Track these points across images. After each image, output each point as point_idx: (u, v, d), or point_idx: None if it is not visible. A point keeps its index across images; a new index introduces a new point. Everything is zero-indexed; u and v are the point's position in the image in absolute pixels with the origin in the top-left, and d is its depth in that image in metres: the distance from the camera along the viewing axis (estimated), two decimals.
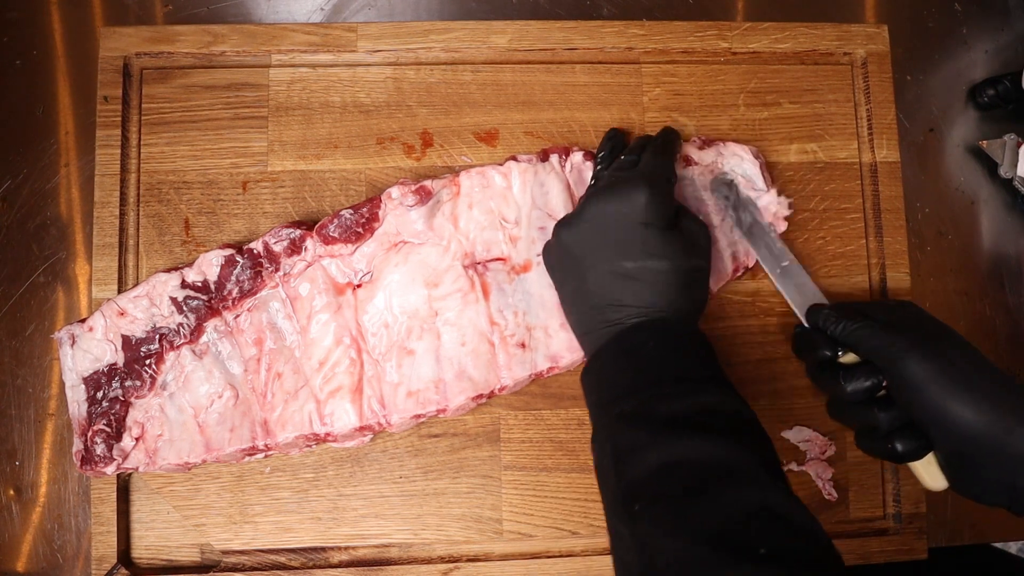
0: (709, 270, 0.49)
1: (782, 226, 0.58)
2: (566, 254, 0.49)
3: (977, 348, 0.46)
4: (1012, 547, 1.34)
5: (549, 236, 0.55)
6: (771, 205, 0.57)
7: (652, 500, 0.39)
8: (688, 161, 0.57)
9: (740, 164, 0.58)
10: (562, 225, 0.50)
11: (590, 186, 0.54)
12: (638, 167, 0.49)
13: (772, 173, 0.61)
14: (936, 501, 0.62)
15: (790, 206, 0.58)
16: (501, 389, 0.54)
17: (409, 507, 0.56)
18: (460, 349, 0.54)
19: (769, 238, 0.56)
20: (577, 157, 0.56)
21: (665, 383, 0.43)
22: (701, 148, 0.58)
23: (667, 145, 0.52)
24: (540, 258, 0.55)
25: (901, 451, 0.46)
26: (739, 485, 0.38)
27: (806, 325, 0.53)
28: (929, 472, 0.47)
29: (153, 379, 0.53)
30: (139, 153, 0.58)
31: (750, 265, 0.58)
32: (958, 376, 0.44)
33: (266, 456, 0.55)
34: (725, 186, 0.56)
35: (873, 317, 0.48)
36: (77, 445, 0.52)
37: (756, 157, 0.58)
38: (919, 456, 0.47)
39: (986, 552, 0.70)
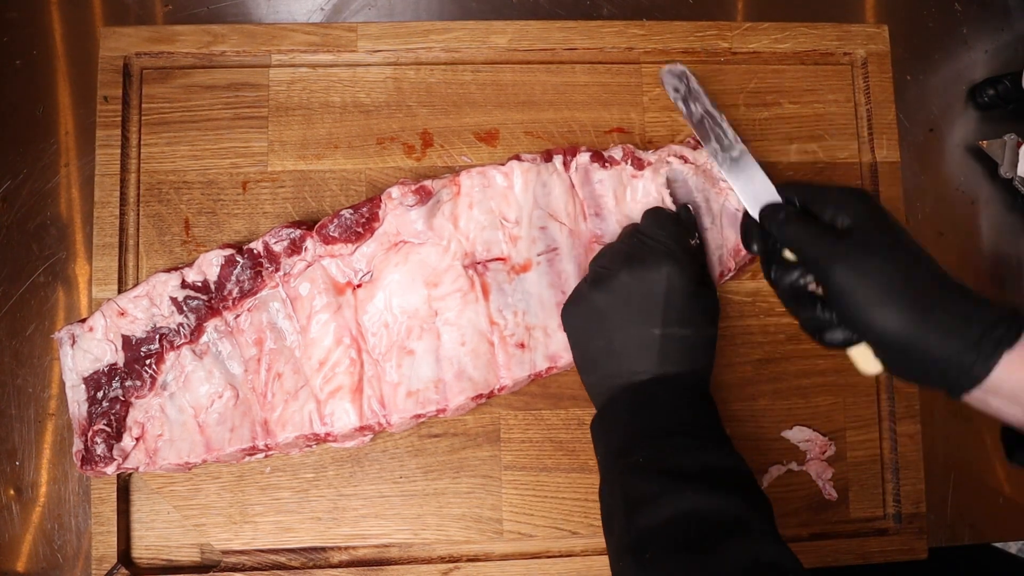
0: (716, 334, 0.51)
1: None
2: (593, 315, 0.50)
3: (918, 245, 0.45)
4: (1012, 547, 1.34)
5: (550, 236, 0.55)
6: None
7: (665, 549, 0.40)
8: (684, 159, 0.57)
9: None
10: (593, 287, 0.51)
11: (613, 248, 0.53)
12: (664, 237, 0.51)
13: (771, 173, 0.60)
14: (936, 501, 0.62)
15: None
16: (501, 389, 0.54)
17: (409, 507, 0.56)
18: (460, 349, 0.54)
19: (720, 128, 0.54)
20: (584, 158, 0.56)
21: (676, 436, 0.45)
22: (695, 148, 0.58)
23: (689, 220, 0.55)
24: (540, 258, 0.55)
25: (832, 342, 0.48)
26: (747, 539, 0.40)
27: (755, 219, 0.52)
28: (863, 357, 0.48)
29: (153, 379, 0.53)
30: (139, 153, 0.58)
31: (733, 269, 0.57)
32: (880, 286, 0.43)
33: (266, 456, 0.55)
34: (675, 77, 0.55)
35: (817, 215, 0.48)
36: (77, 445, 0.52)
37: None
38: (850, 345, 0.48)
39: (986, 552, 0.70)
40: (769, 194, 0.52)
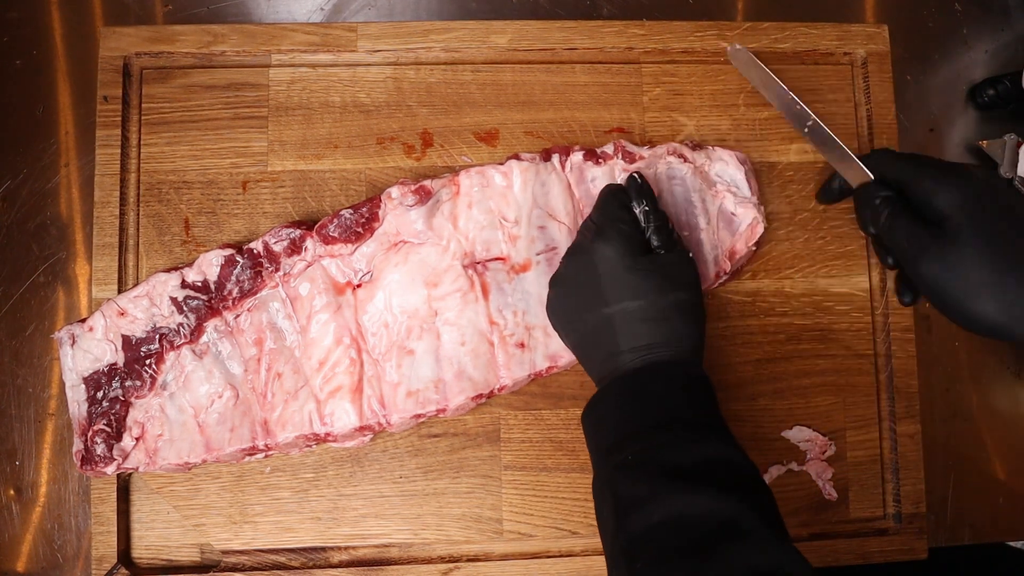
0: (696, 301, 0.48)
1: (755, 234, 0.56)
2: (559, 312, 0.50)
3: (1019, 229, 0.44)
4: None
5: (549, 235, 0.55)
6: (747, 216, 0.56)
7: (655, 559, 0.38)
8: (684, 157, 0.57)
9: (725, 169, 0.57)
10: (550, 286, 0.51)
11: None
12: (596, 216, 0.50)
13: (772, 174, 0.61)
14: (936, 501, 0.62)
15: (764, 227, 0.57)
16: (500, 389, 0.54)
17: (409, 507, 0.56)
18: (460, 349, 0.54)
19: (790, 98, 0.57)
20: (577, 157, 0.56)
21: (666, 430, 0.43)
22: (694, 149, 0.58)
23: (609, 198, 0.51)
24: (539, 258, 0.55)
25: (904, 302, 0.51)
26: (743, 545, 0.37)
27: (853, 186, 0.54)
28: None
29: (153, 379, 0.53)
30: (139, 153, 0.58)
31: (728, 271, 0.57)
32: (967, 283, 0.43)
33: (266, 456, 0.55)
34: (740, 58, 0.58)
35: (915, 196, 0.47)
36: (77, 445, 0.52)
37: (742, 163, 0.58)
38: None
39: (990, 549, 0.69)
40: (860, 173, 0.53)
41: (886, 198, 0.49)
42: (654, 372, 0.46)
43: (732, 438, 0.44)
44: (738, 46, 0.60)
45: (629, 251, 0.47)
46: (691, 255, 0.49)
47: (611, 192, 0.50)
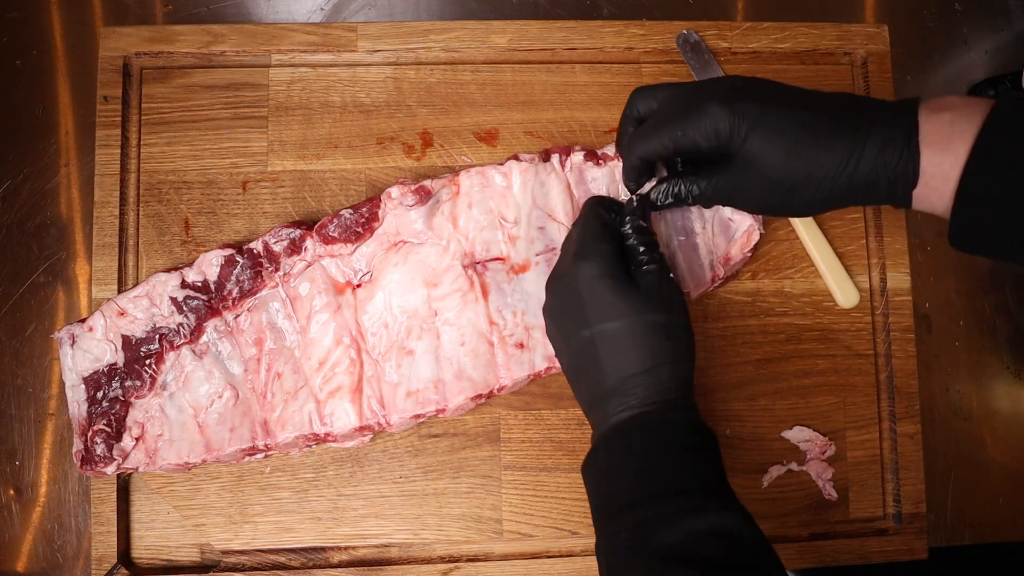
0: (681, 322, 0.46)
1: (751, 241, 0.56)
2: (552, 339, 0.49)
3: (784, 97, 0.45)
4: None
5: (548, 236, 0.55)
6: (743, 223, 0.56)
7: None
8: None
9: None
10: (543, 316, 0.50)
11: None
12: (575, 235, 0.48)
13: None
14: (936, 501, 0.62)
15: (761, 233, 0.56)
16: (500, 389, 0.54)
17: (409, 507, 0.56)
18: (459, 349, 0.54)
19: None
20: (577, 157, 0.56)
21: (663, 500, 0.41)
22: None
23: (591, 214, 0.50)
24: (539, 258, 0.55)
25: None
26: None
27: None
28: (842, 290, 0.54)
29: (153, 379, 0.53)
30: (139, 153, 0.58)
31: (722, 276, 0.57)
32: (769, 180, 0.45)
33: (266, 456, 0.55)
34: (690, 47, 0.57)
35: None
36: (77, 445, 0.52)
37: None
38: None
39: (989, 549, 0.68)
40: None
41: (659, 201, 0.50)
42: (646, 427, 0.43)
43: (736, 502, 0.42)
44: (685, 32, 0.60)
45: (608, 271, 0.45)
46: (672, 276, 0.48)
47: (592, 206, 0.49)
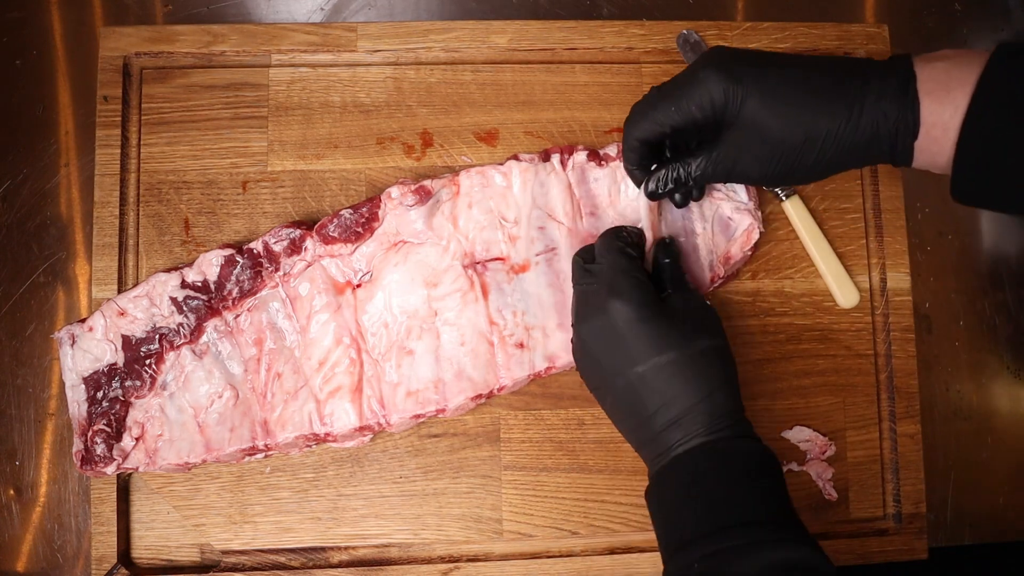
0: (725, 344, 0.46)
1: (751, 240, 0.56)
2: (591, 379, 0.48)
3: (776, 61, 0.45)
4: None
5: (548, 236, 0.55)
6: (743, 223, 0.56)
7: None
8: None
9: None
10: (574, 357, 0.49)
11: (574, 296, 0.51)
12: (598, 272, 0.48)
13: None
14: (936, 501, 0.62)
15: (761, 232, 0.56)
16: (500, 389, 0.54)
17: (409, 507, 0.56)
18: (459, 349, 0.54)
19: None
20: (580, 157, 0.56)
21: (733, 531, 0.40)
22: None
23: (611, 246, 0.49)
24: (539, 258, 0.55)
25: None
26: None
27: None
28: (843, 292, 0.55)
29: (153, 379, 0.53)
30: (139, 153, 0.58)
31: (723, 276, 0.57)
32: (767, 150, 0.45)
33: (266, 456, 0.55)
34: (690, 47, 0.57)
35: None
36: (77, 445, 0.52)
37: None
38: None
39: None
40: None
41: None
42: (711, 456, 0.43)
43: (806, 534, 0.41)
44: (685, 31, 0.60)
45: (647, 303, 0.45)
46: (706, 300, 0.49)
47: (611, 237, 0.49)
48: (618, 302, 0.45)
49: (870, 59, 0.45)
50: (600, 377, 0.47)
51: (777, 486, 0.43)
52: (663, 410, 0.44)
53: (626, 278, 0.46)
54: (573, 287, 0.50)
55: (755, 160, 0.45)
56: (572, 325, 0.49)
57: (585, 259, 0.50)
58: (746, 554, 0.39)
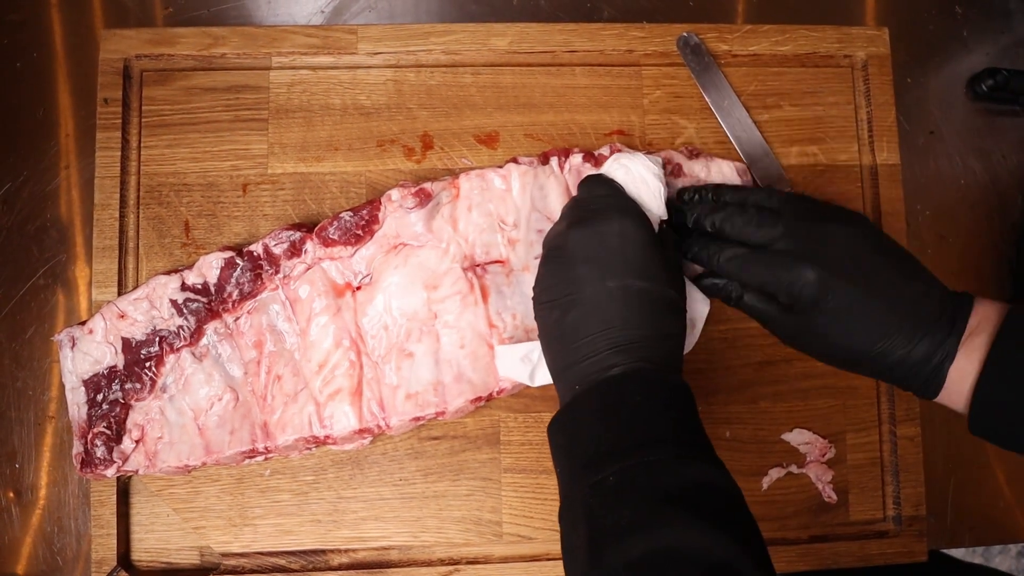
0: (684, 307, 0.48)
1: None
2: (548, 291, 0.47)
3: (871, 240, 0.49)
4: (1012, 550, 1.34)
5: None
6: None
7: None
8: (677, 172, 0.57)
9: (724, 180, 0.58)
10: (543, 262, 0.48)
11: (557, 223, 0.51)
12: (606, 193, 0.50)
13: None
14: (936, 504, 0.62)
15: None
16: (500, 391, 0.54)
17: (409, 510, 0.56)
18: (459, 351, 0.54)
19: (739, 112, 0.60)
20: (576, 159, 0.56)
21: (651, 447, 0.40)
22: (690, 158, 0.58)
23: (605, 180, 0.52)
24: (538, 261, 0.55)
25: (749, 307, 0.52)
26: None
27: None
28: None
29: (153, 382, 0.53)
30: (139, 155, 0.58)
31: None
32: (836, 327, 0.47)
33: (266, 459, 0.55)
34: (691, 50, 0.59)
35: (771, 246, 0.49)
36: (77, 447, 0.52)
37: (741, 174, 0.58)
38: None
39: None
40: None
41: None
42: (637, 382, 0.43)
43: (718, 459, 0.41)
44: (685, 34, 0.61)
45: (650, 232, 0.47)
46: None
47: (604, 180, 0.51)
48: (628, 219, 0.46)
49: (941, 294, 0.47)
50: (568, 283, 0.46)
51: (694, 417, 0.44)
52: (610, 332, 0.44)
53: (632, 203, 0.49)
54: (573, 200, 0.52)
55: (801, 343, 0.50)
56: (555, 233, 0.49)
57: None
58: (665, 469, 0.39)
